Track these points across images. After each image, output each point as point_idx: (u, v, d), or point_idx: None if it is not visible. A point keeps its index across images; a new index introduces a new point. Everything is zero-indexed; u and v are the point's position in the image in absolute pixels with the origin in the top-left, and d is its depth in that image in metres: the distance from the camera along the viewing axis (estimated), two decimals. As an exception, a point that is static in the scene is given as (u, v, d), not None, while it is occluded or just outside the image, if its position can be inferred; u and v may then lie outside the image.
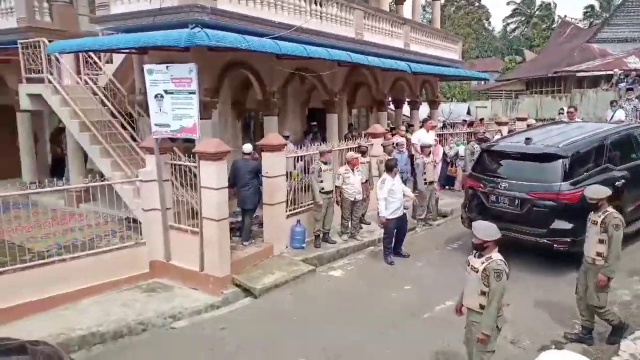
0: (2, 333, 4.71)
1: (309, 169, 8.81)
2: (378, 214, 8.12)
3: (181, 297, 6.86)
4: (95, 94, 9.77)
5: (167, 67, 6.78)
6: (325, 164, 8.62)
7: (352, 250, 8.76)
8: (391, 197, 7.91)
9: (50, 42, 8.87)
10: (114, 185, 7.71)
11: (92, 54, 9.70)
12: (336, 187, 8.75)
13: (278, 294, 7.03)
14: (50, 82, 9.47)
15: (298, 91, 13.06)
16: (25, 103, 9.92)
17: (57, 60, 9.63)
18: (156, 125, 7.08)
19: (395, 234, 8.21)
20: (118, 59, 10.21)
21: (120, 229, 7.81)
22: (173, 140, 7.49)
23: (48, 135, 12.79)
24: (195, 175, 7.13)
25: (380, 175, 8.89)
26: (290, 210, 8.55)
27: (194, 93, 6.66)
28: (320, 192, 8.45)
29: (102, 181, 7.50)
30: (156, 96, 6.95)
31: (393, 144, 10.41)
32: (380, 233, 8.72)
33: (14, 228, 7.39)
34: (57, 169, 12.04)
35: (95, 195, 8.72)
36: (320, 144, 9.15)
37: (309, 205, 8.82)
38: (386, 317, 6.27)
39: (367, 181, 9.36)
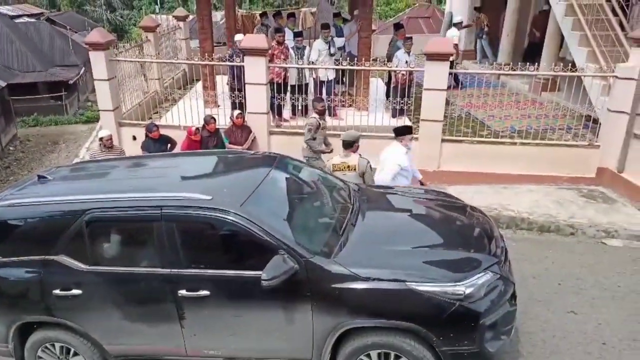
0: (450, 191, 5.57)
1: None
2: None
3: (623, 214, 6.16)
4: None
5: None
6: None
7: None
8: None
9: None
10: (583, 78, 7.19)
11: None
12: None
13: None
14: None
15: None
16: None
17: None
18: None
19: None
20: None
21: (577, 126, 7.39)
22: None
23: (530, 19, 12.71)
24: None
25: None
26: None
27: None
28: None
29: (572, 71, 7.06)
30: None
31: None
32: None
33: (480, 104, 8.24)
34: (530, 54, 12.07)
35: (560, 85, 8.42)
36: None
37: None
38: None
39: None
